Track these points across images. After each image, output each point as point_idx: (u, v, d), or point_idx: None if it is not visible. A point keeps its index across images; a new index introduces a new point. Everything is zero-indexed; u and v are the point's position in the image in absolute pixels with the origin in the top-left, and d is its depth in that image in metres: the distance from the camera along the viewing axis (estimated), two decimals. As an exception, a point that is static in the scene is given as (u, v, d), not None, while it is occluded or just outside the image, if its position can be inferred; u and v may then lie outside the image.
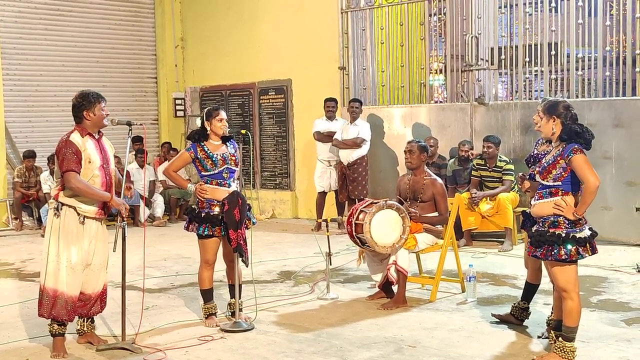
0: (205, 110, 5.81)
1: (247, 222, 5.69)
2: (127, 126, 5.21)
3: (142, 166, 11.74)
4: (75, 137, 5.01)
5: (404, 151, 6.62)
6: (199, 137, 5.73)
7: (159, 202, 11.83)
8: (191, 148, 5.72)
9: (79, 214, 4.99)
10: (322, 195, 10.49)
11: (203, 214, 5.61)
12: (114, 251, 5.04)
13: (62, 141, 5.01)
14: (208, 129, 5.69)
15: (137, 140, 12.38)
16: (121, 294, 5.17)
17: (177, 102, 13.64)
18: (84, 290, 5.14)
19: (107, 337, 5.38)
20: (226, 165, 5.66)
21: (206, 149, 5.66)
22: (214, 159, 5.63)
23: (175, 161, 5.96)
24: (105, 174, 5.08)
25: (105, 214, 5.14)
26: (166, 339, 5.38)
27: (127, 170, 5.31)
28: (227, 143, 5.73)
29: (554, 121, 4.63)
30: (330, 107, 10.42)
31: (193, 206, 5.77)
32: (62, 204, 4.99)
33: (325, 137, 10.30)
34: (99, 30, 12.85)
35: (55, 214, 5.00)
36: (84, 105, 5.04)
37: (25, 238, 10.47)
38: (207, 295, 5.78)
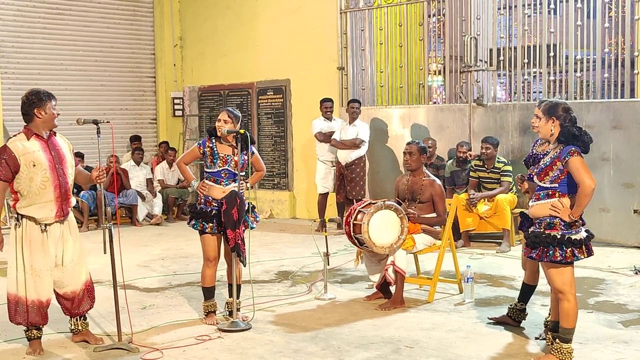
0: None
1: (245, 223, 5.71)
2: (93, 125, 5.13)
3: (137, 164, 11.82)
4: (16, 143, 4.90)
5: (404, 152, 6.61)
6: (212, 134, 5.80)
7: (157, 200, 11.82)
8: (201, 143, 5.79)
9: (38, 223, 4.96)
10: (325, 196, 10.48)
11: (198, 209, 5.71)
12: (104, 253, 5.06)
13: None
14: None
15: (136, 139, 12.44)
16: (114, 294, 5.18)
17: (176, 101, 13.62)
18: (63, 291, 5.13)
19: (103, 337, 5.37)
20: (226, 167, 5.68)
21: (214, 146, 5.71)
22: (215, 156, 5.68)
23: (186, 154, 6.03)
24: (58, 175, 4.98)
25: (64, 214, 5.06)
26: (163, 338, 5.38)
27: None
28: (244, 149, 5.65)
29: (553, 122, 4.63)
30: (327, 108, 10.42)
31: (195, 203, 5.85)
32: (22, 215, 4.95)
33: (328, 137, 10.29)
34: (97, 29, 12.83)
35: (17, 224, 4.97)
36: (34, 102, 4.94)
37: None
38: (208, 293, 5.80)
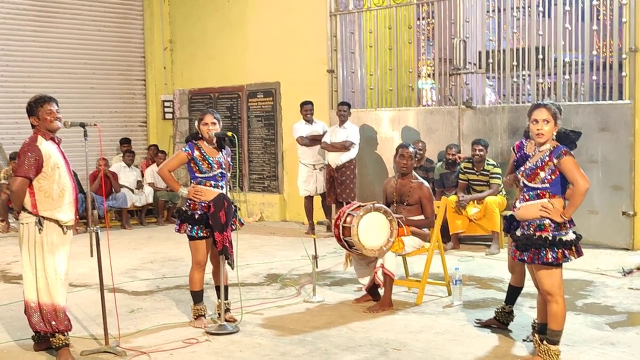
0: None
1: (234, 221, 5.71)
2: (81, 128, 5.09)
3: (128, 165, 11.82)
4: (44, 145, 4.84)
5: (401, 155, 6.55)
6: (193, 139, 5.75)
7: (147, 192, 11.82)
8: (188, 148, 5.70)
9: (61, 226, 4.92)
10: (310, 199, 10.46)
11: (197, 216, 5.60)
12: (91, 256, 5.04)
13: (26, 144, 4.85)
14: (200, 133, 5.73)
15: (126, 142, 12.43)
16: (101, 297, 5.16)
17: (166, 104, 13.61)
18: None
19: (89, 341, 5.35)
20: (220, 170, 5.66)
21: (202, 150, 5.67)
22: (210, 160, 5.64)
23: (170, 161, 5.86)
24: (71, 178, 5.01)
25: (77, 218, 5.12)
26: (151, 341, 5.36)
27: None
28: (223, 150, 5.70)
29: (555, 126, 4.65)
30: (307, 110, 10.39)
31: (183, 208, 5.72)
32: (44, 218, 4.87)
33: (311, 140, 10.28)
34: (87, 32, 12.82)
35: (39, 229, 4.84)
36: (29, 110, 4.92)
37: (11, 240, 10.37)
38: (197, 296, 5.78)
